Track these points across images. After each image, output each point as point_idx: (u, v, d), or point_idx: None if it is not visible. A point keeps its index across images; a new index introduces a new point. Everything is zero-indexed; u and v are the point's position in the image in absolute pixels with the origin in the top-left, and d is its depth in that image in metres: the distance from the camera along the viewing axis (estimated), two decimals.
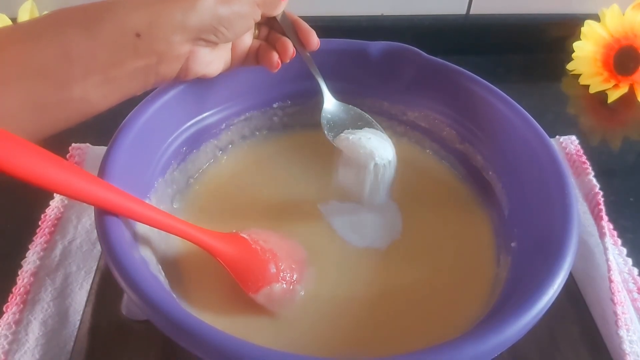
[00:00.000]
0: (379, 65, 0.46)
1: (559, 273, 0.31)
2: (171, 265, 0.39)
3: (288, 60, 0.41)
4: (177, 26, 0.33)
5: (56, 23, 0.32)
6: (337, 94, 0.44)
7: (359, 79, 0.47)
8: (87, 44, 0.31)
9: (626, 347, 0.39)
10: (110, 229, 0.32)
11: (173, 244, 0.40)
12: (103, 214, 0.32)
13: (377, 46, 0.46)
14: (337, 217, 0.44)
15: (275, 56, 0.40)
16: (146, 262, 0.34)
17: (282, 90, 0.48)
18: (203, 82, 0.42)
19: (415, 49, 0.46)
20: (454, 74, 0.44)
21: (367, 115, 0.45)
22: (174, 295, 0.35)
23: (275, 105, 0.49)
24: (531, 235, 0.37)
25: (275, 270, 0.37)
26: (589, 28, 0.64)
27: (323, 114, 0.43)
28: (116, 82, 0.33)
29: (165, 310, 0.28)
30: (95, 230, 0.32)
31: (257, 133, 0.49)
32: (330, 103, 0.44)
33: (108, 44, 0.32)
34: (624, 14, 0.62)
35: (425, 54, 0.45)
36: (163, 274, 0.36)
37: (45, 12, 0.33)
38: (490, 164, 0.44)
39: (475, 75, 0.44)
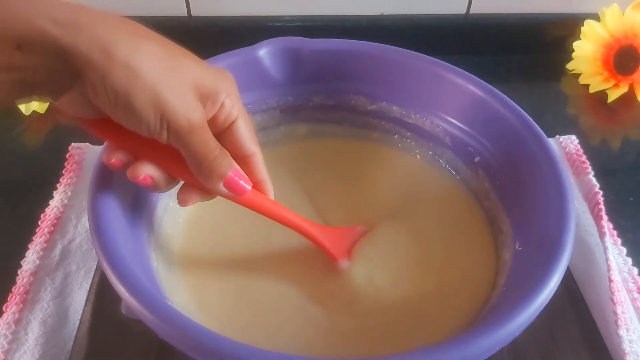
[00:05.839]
0: (378, 65, 0.46)
1: (556, 271, 0.31)
2: (170, 265, 0.39)
3: None
4: None
5: None
6: (336, 93, 0.44)
7: (358, 79, 0.47)
8: None
9: (626, 346, 0.39)
10: (104, 229, 0.32)
11: (173, 243, 0.41)
12: (96, 211, 0.32)
13: (376, 46, 0.46)
14: (336, 216, 0.44)
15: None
16: (144, 264, 0.34)
17: (283, 90, 0.48)
18: None
19: (415, 51, 0.46)
20: (453, 74, 0.44)
21: None
22: (170, 296, 0.35)
23: (275, 105, 0.49)
24: (530, 235, 0.37)
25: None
26: (589, 28, 0.64)
27: None
28: None
29: (159, 313, 0.28)
30: None
31: (257, 133, 0.49)
32: None
33: None
34: (624, 14, 0.62)
35: (420, 54, 0.45)
36: (161, 274, 0.36)
37: None
38: (490, 165, 0.44)
39: (473, 76, 0.44)
